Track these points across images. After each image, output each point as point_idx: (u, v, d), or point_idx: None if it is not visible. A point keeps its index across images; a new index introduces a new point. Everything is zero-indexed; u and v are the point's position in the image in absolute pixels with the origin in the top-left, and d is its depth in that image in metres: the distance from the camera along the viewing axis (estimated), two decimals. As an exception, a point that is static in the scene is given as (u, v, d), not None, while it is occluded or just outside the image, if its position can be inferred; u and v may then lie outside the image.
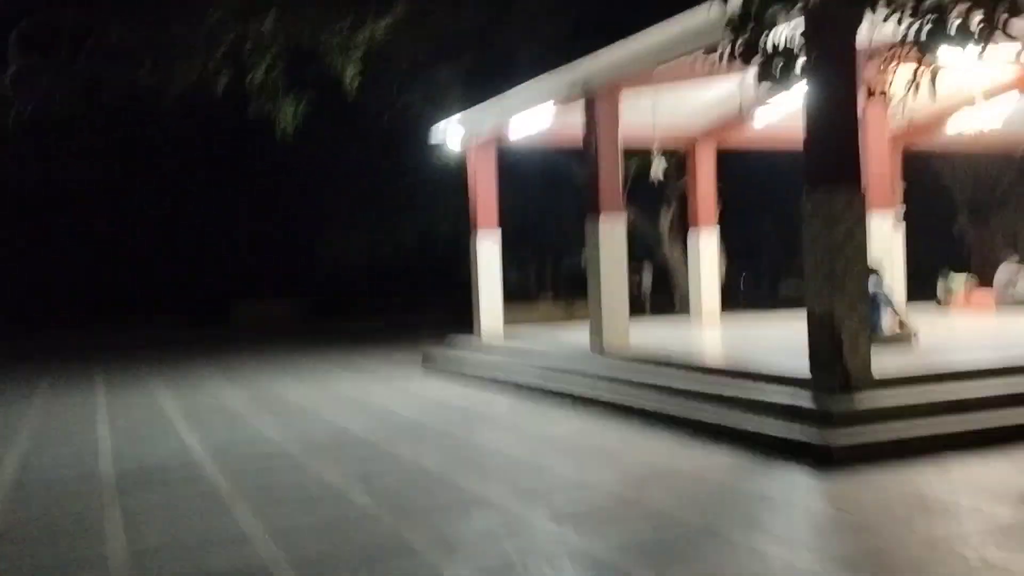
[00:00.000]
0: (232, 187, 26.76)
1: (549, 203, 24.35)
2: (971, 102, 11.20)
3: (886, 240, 10.67)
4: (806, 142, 7.10)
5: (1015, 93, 12.02)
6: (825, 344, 6.88)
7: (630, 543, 4.57)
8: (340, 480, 6.21)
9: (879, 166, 10.59)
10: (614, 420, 8.13)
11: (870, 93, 5.40)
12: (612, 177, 10.23)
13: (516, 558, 4.35)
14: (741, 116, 12.54)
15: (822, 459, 6.02)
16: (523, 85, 11.34)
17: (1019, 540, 4.39)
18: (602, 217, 10.21)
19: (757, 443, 6.56)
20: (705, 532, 4.71)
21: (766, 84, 4.56)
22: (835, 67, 6.85)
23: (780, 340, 10.31)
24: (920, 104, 5.58)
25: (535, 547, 4.54)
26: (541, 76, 10.85)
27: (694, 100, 12.43)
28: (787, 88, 4.61)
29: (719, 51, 4.44)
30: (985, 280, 14.79)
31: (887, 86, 5.25)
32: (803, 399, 6.81)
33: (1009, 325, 11.16)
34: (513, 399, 9.88)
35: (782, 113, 11.94)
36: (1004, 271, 14.58)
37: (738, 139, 14.11)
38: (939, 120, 13.69)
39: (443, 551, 4.51)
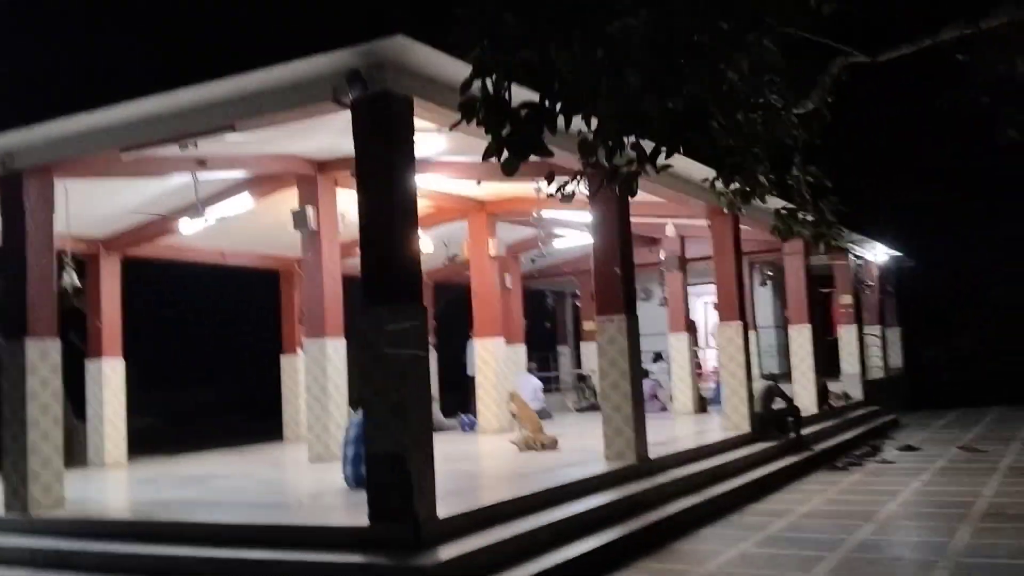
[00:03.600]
0: None
1: None
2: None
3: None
4: (363, 256, 6.18)
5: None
6: (393, 488, 5.83)
7: None
8: None
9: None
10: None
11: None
12: (45, 286, 7.84)
13: None
14: (164, 224, 11.03)
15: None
16: None
17: None
18: (29, 340, 7.68)
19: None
20: None
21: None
22: (389, 179, 6.18)
23: (252, 488, 8.82)
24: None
25: None
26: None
27: (111, 196, 10.33)
28: (512, 171, 3.70)
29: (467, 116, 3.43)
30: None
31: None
32: (375, 558, 5.61)
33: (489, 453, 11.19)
34: None
35: (210, 223, 10.64)
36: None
37: (153, 249, 12.32)
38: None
39: None
